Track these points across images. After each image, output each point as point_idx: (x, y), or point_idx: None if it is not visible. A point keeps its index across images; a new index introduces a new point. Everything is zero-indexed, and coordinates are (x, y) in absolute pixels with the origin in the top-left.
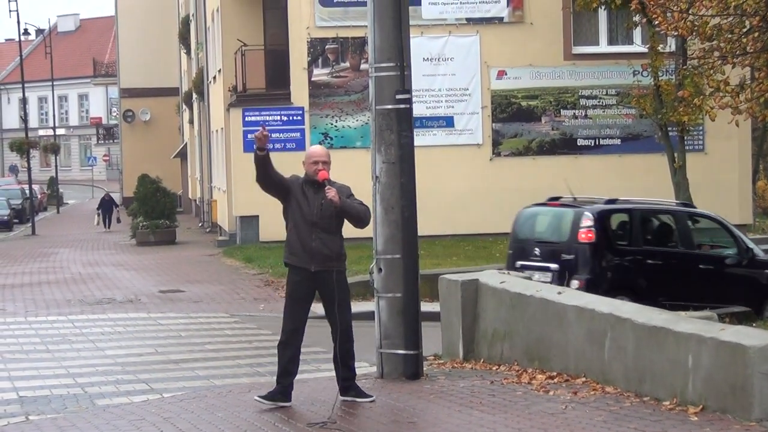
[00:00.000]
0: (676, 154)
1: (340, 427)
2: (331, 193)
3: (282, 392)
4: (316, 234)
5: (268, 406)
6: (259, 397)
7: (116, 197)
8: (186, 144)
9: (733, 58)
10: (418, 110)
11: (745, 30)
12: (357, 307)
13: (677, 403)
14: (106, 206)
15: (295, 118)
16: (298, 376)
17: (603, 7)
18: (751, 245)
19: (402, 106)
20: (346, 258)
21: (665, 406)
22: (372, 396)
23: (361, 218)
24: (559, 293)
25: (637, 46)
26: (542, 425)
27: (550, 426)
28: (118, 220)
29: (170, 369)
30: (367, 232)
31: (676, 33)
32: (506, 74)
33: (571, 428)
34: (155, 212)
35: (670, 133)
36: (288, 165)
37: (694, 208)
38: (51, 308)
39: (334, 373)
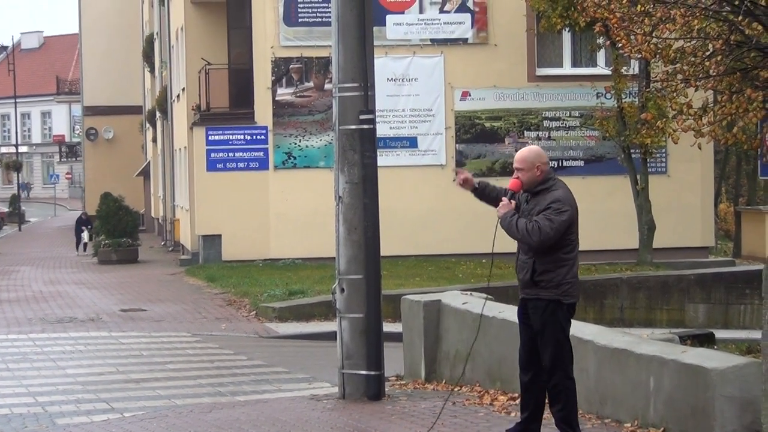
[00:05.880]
0: (639, 177)
1: None
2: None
3: None
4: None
5: None
6: None
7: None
8: (149, 162)
9: (696, 81)
10: (382, 130)
11: (708, 53)
12: (319, 327)
13: (638, 425)
14: (81, 227)
15: (258, 137)
16: (259, 396)
17: (567, 29)
18: None
19: (365, 126)
20: None
21: (626, 428)
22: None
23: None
24: None
25: (601, 69)
26: None
27: None
28: (86, 246)
29: (131, 388)
30: (330, 251)
31: (639, 56)
32: (470, 95)
33: None
34: (117, 230)
35: (633, 156)
36: (251, 184)
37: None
38: (12, 326)
39: (298, 394)
